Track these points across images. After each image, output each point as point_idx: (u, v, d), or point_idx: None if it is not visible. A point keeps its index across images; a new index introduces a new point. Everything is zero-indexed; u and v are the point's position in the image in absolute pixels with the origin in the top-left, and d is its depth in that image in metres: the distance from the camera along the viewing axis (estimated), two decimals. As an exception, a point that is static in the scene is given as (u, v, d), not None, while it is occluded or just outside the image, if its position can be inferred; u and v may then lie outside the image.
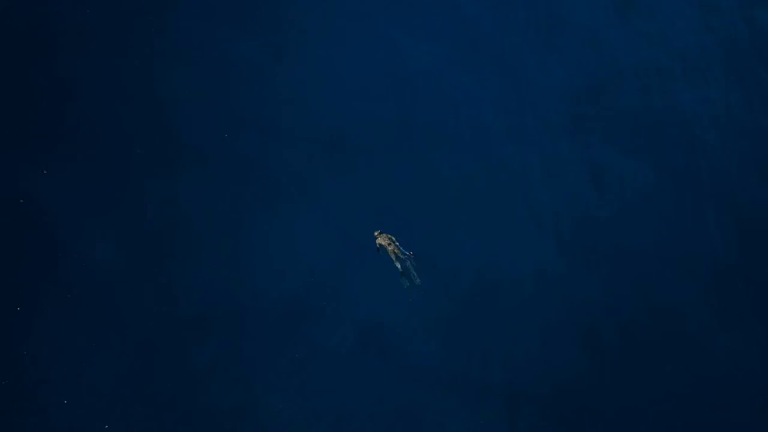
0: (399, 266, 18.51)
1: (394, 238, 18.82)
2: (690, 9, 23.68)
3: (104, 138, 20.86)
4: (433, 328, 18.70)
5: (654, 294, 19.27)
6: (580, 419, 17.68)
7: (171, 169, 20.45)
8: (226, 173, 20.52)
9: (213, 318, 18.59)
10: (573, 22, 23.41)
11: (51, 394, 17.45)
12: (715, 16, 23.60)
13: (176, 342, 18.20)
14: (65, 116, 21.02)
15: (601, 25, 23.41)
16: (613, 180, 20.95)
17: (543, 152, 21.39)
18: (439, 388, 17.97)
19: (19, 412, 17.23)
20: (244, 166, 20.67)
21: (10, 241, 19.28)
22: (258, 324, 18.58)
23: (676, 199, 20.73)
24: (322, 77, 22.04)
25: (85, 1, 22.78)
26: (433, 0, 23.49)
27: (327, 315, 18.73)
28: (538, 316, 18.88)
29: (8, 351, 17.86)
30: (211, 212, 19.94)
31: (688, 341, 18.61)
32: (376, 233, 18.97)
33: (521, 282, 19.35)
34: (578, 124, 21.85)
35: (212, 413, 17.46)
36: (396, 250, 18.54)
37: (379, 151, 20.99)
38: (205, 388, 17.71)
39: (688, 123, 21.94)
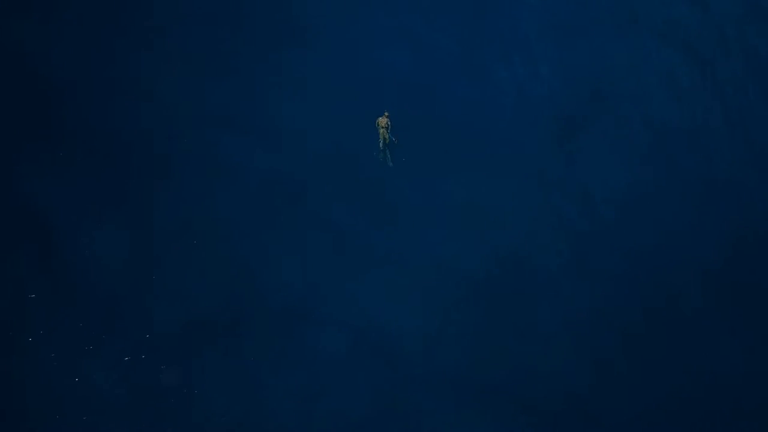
0: (381, 143, 21.18)
1: (390, 124, 21.11)
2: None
3: (108, 140, 20.83)
4: (433, 332, 18.93)
5: (655, 297, 19.57)
6: (581, 422, 17.87)
7: (175, 173, 20.52)
8: (228, 179, 20.66)
9: (216, 322, 18.69)
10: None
11: (51, 396, 17.44)
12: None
13: (179, 345, 18.24)
14: (76, 117, 21.06)
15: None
16: (611, 186, 21.25)
17: (540, 156, 21.73)
18: (439, 391, 18.15)
19: (20, 414, 17.21)
20: (245, 171, 20.81)
21: (12, 242, 19.26)
22: (261, 327, 18.68)
23: (675, 202, 21.04)
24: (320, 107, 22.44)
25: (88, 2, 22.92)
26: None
27: (328, 318, 18.94)
28: (539, 319, 19.09)
29: (8, 352, 17.83)
30: (214, 217, 20.02)
31: (688, 343, 18.87)
32: (386, 113, 21.14)
33: (522, 285, 19.56)
34: (573, 130, 22.21)
35: (214, 415, 17.53)
36: (385, 132, 21.10)
37: (376, 161, 21.31)
38: (207, 390, 17.79)
39: (685, 132, 22.33)
